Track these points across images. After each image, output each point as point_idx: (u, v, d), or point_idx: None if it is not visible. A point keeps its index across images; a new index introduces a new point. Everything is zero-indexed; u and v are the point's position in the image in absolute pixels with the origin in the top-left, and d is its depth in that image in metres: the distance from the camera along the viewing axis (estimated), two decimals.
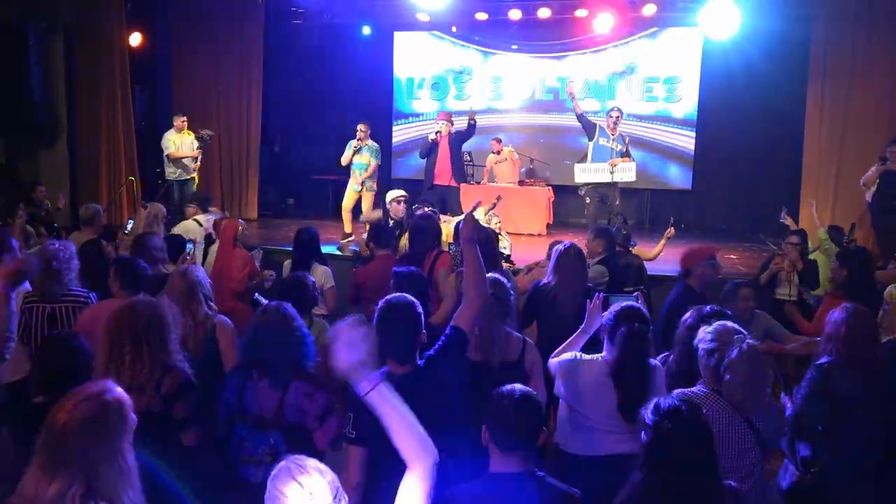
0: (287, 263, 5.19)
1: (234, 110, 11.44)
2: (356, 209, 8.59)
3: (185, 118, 9.02)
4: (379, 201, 8.22)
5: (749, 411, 2.72)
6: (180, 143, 8.91)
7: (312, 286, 3.95)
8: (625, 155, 8.07)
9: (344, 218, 8.72)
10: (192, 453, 2.75)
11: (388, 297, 2.74)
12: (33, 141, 9.60)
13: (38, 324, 3.77)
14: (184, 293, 3.47)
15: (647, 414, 2.15)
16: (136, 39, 10.39)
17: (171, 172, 8.96)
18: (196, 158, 9.02)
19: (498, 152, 10.35)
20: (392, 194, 6.78)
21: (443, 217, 6.91)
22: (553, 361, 3.24)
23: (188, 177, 9.03)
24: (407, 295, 2.76)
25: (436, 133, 8.66)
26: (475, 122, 8.90)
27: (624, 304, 3.17)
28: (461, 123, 9.07)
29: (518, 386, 2.29)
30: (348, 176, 8.71)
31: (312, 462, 1.75)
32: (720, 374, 2.74)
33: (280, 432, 2.82)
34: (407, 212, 6.51)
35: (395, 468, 2.09)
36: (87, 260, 4.24)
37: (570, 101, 8.35)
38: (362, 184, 8.58)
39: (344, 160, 8.68)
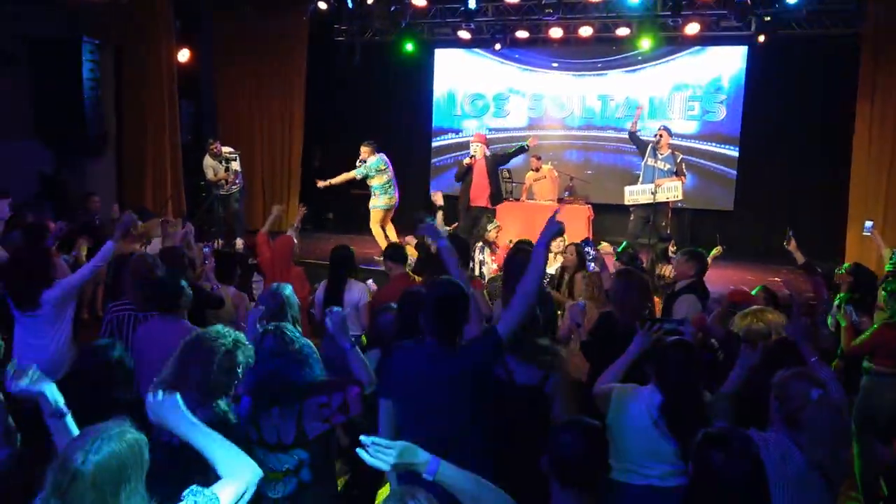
0: (323, 284, 5.08)
1: (277, 125, 11.62)
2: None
3: (215, 143, 9.56)
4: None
5: (827, 467, 2.52)
6: (217, 166, 9.54)
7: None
8: (676, 174, 8.06)
9: (375, 235, 9.10)
10: None
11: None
12: (83, 153, 9.83)
13: (130, 332, 3.86)
14: (276, 314, 3.43)
15: (695, 445, 2.08)
16: (183, 55, 10.62)
17: (214, 189, 9.68)
18: (226, 180, 9.56)
19: (537, 169, 10.33)
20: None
21: (408, 238, 7.11)
22: (599, 388, 3.12)
23: (228, 192, 9.64)
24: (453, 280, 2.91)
25: (470, 157, 8.83)
26: (528, 147, 9.05)
27: (672, 338, 3.02)
28: (500, 143, 9.15)
29: (582, 419, 2.20)
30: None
31: (424, 494, 1.78)
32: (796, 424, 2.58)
33: (304, 449, 2.77)
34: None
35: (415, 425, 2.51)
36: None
37: (633, 117, 8.55)
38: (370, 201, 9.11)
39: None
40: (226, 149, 9.61)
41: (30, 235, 5.65)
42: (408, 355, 2.84)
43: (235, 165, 9.62)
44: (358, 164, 9.09)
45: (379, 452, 1.85)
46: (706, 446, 2.04)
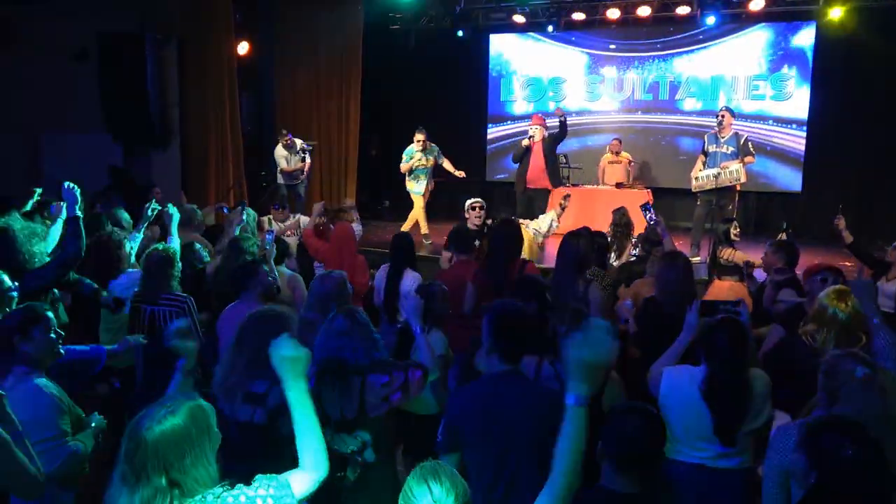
0: (381, 268, 5.13)
1: (333, 115, 11.73)
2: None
3: (288, 135, 9.75)
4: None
5: None
6: (290, 157, 9.75)
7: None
8: (742, 154, 7.92)
9: (420, 221, 9.16)
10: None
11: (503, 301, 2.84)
12: (148, 146, 10.10)
13: (140, 325, 3.95)
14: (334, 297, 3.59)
15: (807, 446, 2.01)
16: (243, 48, 10.80)
17: (282, 179, 9.89)
18: (303, 170, 9.83)
19: (617, 153, 10.26)
20: (469, 201, 6.74)
21: (523, 221, 6.95)
22: (652, 372, 3.12)
23: (295, 182, 9.88)
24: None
25: (529, 138, 8.66)
26: (565, 118, 8.77)
27: (722, 315, 3.00)
28: (553, 124, 8.95)
29: (640, 403, 2.22)
30: (444, 180, 8.93)
31: (449, 470, 1.82)
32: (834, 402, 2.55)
33: (366, 429, 2.80)
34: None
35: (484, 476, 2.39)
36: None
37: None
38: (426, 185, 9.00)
39: (404, 168, 8.96)
40: (298, 140, 9.77)
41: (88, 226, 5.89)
42: (470, 392, 2.76)
43: (309, 158, 9.83)
44: (419, 153, 8.89)
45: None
46: (828, 435, 1.99)
